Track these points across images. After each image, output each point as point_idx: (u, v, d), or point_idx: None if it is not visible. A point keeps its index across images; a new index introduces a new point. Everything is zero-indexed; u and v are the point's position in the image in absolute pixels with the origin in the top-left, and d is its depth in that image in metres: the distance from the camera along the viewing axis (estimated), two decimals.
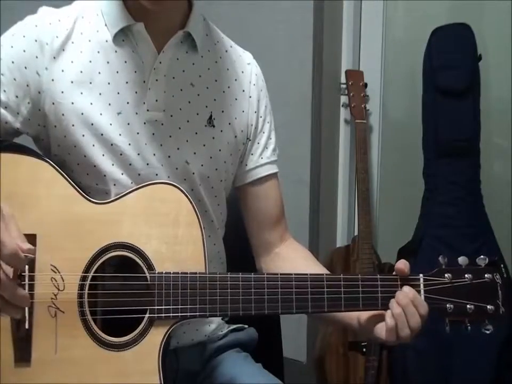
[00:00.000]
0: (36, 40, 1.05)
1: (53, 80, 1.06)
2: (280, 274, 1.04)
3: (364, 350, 2.07)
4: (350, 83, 2.20)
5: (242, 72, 1.18)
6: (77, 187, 1.03)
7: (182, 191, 1.03)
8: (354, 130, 2.16)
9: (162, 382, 0.99)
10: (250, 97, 1.18)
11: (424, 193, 2.12)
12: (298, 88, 2.19)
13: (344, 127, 2.40)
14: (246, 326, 1.26)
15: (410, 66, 2.28)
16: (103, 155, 1.06)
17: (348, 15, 2.32)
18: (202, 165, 1.12)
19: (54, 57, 1.06)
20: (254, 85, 1.19)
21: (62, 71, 1.06)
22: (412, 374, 2.01)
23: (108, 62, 1.07)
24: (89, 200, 1.02)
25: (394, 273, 1.04)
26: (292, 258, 1.21)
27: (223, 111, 1.14)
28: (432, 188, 2.09)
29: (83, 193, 1.03)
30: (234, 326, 1.24)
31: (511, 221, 2.13)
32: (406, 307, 1.00)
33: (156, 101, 1.08)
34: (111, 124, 1.06)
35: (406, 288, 1.02)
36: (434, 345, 1.97)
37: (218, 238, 1.20)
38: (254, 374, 1.15)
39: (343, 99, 2.30)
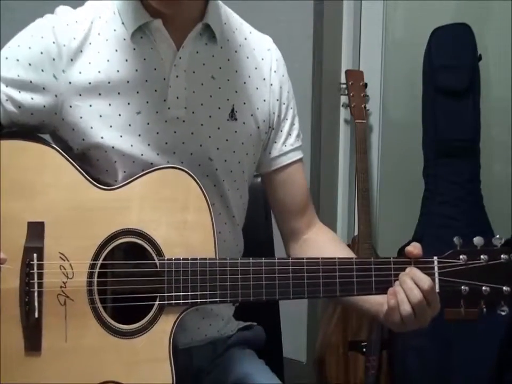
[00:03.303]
0: (53, 42, 1.04)
1: (70, 83, 1.04)
2: (291, 258, 1.03)
3: (364, 350, 2.07)
4: (350, 83, 2.20)
5: (263, 59, 1.17)
6: (84, 173, 1.02)
7: (190, 175, 1.02)
8: (354, 130, 2.16)
9: (173, 369, 0.99)
10: (271, 85, 1.16)
11: (424, 193, 2.12)
12: (298, 88, 2.17)
13: (344, 127, 2.40)
14: (255, 323, 1.26)
15: (410, 66, 2.28)
16: (123, 155, 1.05)
17: (348, 15, 2.32)
18: (225, 160, 1.11)
19: (72, 60, 1.04)
20: (275, 71, 1.17)
21: (80, 73, 1.04)
22: (412, 373, 2.01)
23: (126, 60, 1.06)
24: (97, 187, 1.02)
25: None
26: (320, 245, 1.20)
27: (244, 103, 1.13)
28: (432, 188, 2.09)
29: (91, 180, 1.02)
30: (244, 325, 1.24)
31: (511, 221, 2.13)
32: (404, 282, 0.99)
33: (177, 98, 1.07)
34: (130, 125, 1.05)
35: (408, 268, 1.01)
36: (434, 344, 1.97)
37: (238, 232, 1.19)
38: (256, 372, 1.14)
39: (343, 99, 2.30)
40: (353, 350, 2.11)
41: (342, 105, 2.34)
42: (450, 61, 2.06)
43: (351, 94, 2.19)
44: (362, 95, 2.19)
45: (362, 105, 2.18)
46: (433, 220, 2.06)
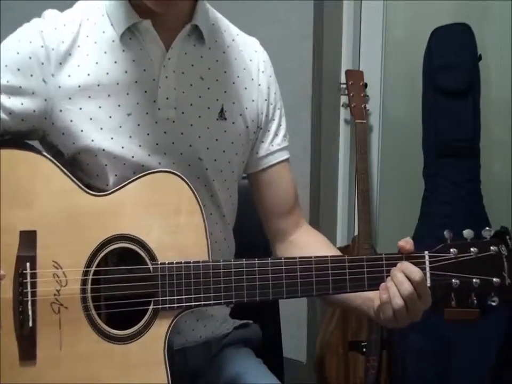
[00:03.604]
0: (42, 46, 1.03)
1: (59, 86, 1.04)
2: (284, 258, 1.03)
3: (364, 350, 2.07)
4: (350, 83, 2.20)
5: (251, 60, 1.17)
6: (76, 180, 1.01)
7: (182, 179, 1.03)
8: (354, 130, 2.16)
9: (168, 373, 0.99)
10: (259, 85, 1.17)
11: (424, 193, 2.12)
12: (298, 88, 2.19)
13: (344, 127, 2.40)
14: (251, 321, 1.26)
15: (410, 66, 2.28)
16: (114, 157, 1.05)
17: (348, 15, 2.32)
18: (215, 160, 1.11)
19: (60, 63, 1.04)
20: (263, 72, 1.18)
21: (69, 76, 1.04)
22: (411, 373, 2.02)
23: (115, 62, 1.06)
24: (89, 193, 1.01)
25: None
26: (306, 246, 1.20)
27: (234, 103, 1.13)
28: (432, 188, 2.09)
29: (82, 186, 1.02)
30: (240, 323, 1.24)
31: (511, 221, 2.13)
32: (394, 277, 0.99)
33: (167, 98, 1.07)
34: (120, 127, 1.05)
35: (399, 263, 1.01)
36: (434, 344, 1.97)
37: (229, 232, 1.19)
38: (252, 372, 1.15)
39: (343, 99, 2.30)
40: (353, 350, 2.11)
41: (342, 105, 2.34)
42: (450, 61, 2.06)
43: (351, 94, 2.19)
44: (362, 95, 2.19)
45: (362, 105, 2.18)
46: (433, 220, 2.06)
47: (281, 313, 1.43)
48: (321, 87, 2.23)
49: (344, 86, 2.23)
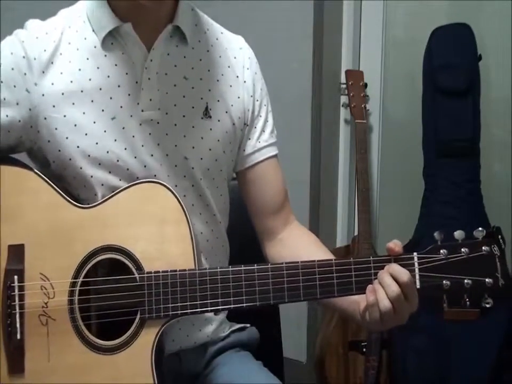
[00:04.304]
0: (23, 57, 1.04)
1: (43, 95, 1.05)
2: (271, 264, 1.03)
3: (364, 350, 2.07)
4: (350, 83, 2.20)
5: (235, 57, 1.17)
6: (62, 193, 1.02)
7: (168, 188, 1.03)
8: (354, 130, 2.16)
9: (156, 383, 0.98)
10: (244, 82, 1.17)
11: (424, 193, 2.12)
12: (298, 88, 2.19)
13: (344, 127, 2.40)
14: (248, 325, 1.25)
15: (410, 66, 2.28)
16: (99, 164, 1.06)
17: (348, 15, 2.32)
18: (201, 158, 1.11)
19: (43, 72, 1.05)
20: (248, 69, 1.18)
21: (52, 84, 1.05)
22: (411, 373, 2.01)
23: (98, 68, 1.06)
24: (76, 205, 1.02)
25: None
26: (295, 245, 1.19)
27: (218, 100, 1.13)
28: (432, 188, 2.09)
29: (69, 199, 1.02)
30: (237, 326, 1.23)
31: (511, 221, 2.13)
32: (382, 279, 0.98)
33: (150, 100, 1.07)
34: (105, 131, 1.06)
35: (387, 265, 1.00)
36: (434, 344, 1.97)
37: (221, 231, 1.19)
38: (253, 374, 1.15)
39: (343, 99, 2.30)
40: (353, 350, 2.11)
41: (342, 105, 2.34)
42: (450, 61, 2.06)
43: (351, 94, 2.19)
44: (362, 95, 2.19)
45: (362, 105, 2.18)
46: (433, 220, 2.06)
47: (281, 313, 1.42)
48: (321, 87, 2.23)
49: (344, 86, 2.23)
